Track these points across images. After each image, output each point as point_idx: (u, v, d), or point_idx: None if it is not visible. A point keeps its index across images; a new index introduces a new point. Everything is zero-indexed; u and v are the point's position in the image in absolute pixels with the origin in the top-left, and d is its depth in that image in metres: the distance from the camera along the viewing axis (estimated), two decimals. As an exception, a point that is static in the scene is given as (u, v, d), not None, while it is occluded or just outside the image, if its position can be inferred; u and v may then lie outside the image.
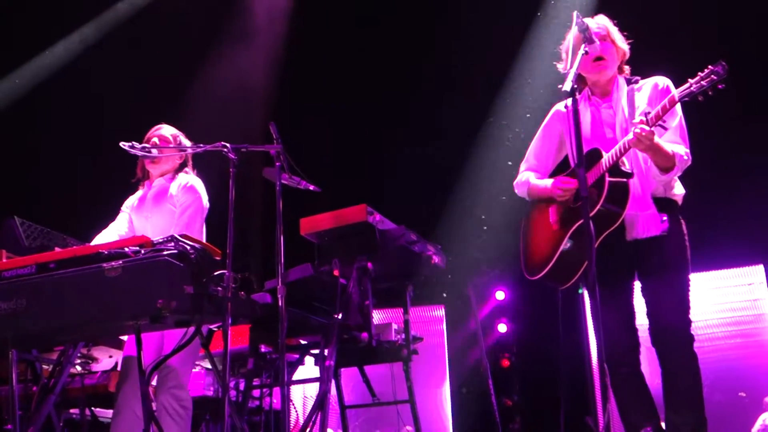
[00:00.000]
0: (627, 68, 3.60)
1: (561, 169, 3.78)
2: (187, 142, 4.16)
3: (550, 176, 3.76)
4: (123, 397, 3.73)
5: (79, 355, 4.45)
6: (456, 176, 8.44)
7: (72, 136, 7.25)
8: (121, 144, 3.60)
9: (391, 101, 8.32)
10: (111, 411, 3.91)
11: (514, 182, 3.81)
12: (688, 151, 3.34)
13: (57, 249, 3.17)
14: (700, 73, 3.12)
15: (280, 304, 3.35)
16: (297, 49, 8.31)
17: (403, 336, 4.37)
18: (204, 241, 3.80)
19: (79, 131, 7.29)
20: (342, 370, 4.53)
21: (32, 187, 7.23)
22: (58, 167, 7.23)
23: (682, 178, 3.47)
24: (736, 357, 7.56)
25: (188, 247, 2.91)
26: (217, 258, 3.06)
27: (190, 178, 4.10)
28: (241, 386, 4.92)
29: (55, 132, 7.35)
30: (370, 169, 8.41)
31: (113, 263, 2.80)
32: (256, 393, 5.29)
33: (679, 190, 3.47)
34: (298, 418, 7.01)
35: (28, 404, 3.88)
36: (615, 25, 3.57)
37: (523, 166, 3.83)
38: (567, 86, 2.89)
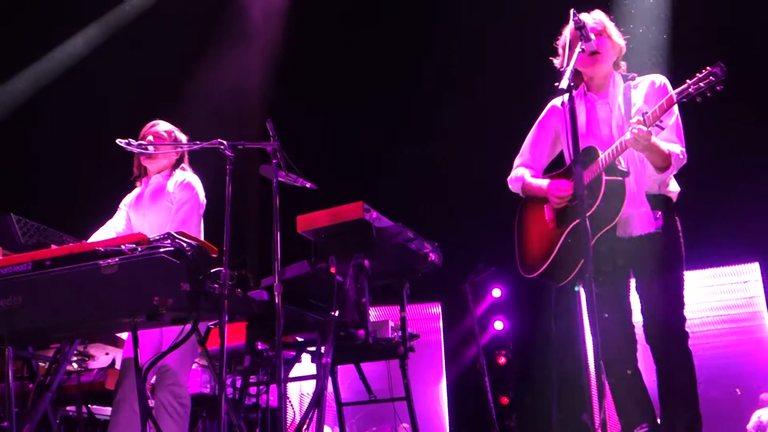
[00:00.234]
0: (623, 64, 3.60)
1: (555, 164, 3.79)
2: (182, 137, 4.15)
3: (545, 172, 3.77)
4: (122, 394, 3.73)
5: (75, 352, 4.44)
6: (452, 173, 8.45)
7: (70, 134, 7.24)
8: (118, 141, 3.59)
9: (388, 99, 8.32)
10: (108, 408, 3.91)
11: (508, 177, 3.81)
12: (683, 149, 3.35)
13: (53, 246, 3.17)
14: (698, 74, 3.12)
15: (276, 301, 3.35)
16: (294, 47, 8.31)
17: (400, 333, 4.37)
18: (201, 238, 3.80)
19: (78, 129, 7.28)
20: (339, 367, 4.54)
21: (29, 184, 7.22)
22: (55, 165, 7.21)
23: (678, 176, 3.48)
24: (732, 354, 7.59)
25: (185, 245, 2.91)
26: (214, 255, 3.05)
27: (187, 175, 4.10)
28: (238, 383, 4.92)
29: (53, 130, 7.33)
30: (367, 167, 8.42)
31: (109, 260, 2.79)
32: (252, 390, 5.29)
33: (673, 187, 3.48)
34: (294, 415, 7.02)
35: (24, 401, 3.87)
36: (611, 20, 3.58)
37: (517, 161, 3.83)
38: (564, 84, 2.88)
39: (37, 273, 2.90)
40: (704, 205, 6.51)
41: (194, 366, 4.95)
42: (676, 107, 3.35)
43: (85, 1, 7.51)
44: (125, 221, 4.12)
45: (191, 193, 4.00)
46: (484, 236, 7.61)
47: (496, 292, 8.79)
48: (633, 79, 3.53)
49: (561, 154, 3.76)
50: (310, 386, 7.90)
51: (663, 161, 3.27)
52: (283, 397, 3.48)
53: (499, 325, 8.73)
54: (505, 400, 8.36)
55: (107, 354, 4.74)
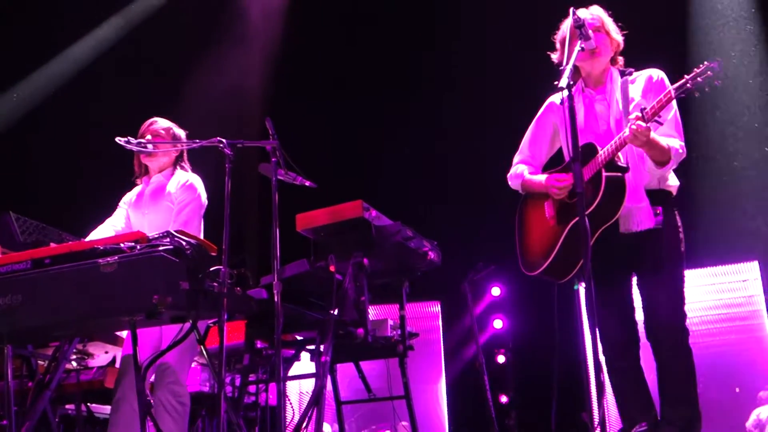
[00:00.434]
0: (621, 59, 3.61)
1: (554, 161, 3.78)
2: (180, 133, 4.15)
3: (544, 169, 3.77)
4: (122, 392, 3.73)
5: (74, 350, 4.44)
6: (451, 172, 8.45)
7: (69, 133, 7.23)
8: (117, 139, 3.59)
9: (388, 97, 8.32)
10: (107, 407, 3.91)
11: (508, 175, 3.81)
12: (683, 144, 3.35)
13: (52, 244, 3.17)
14: (696, 69, 3.13)
15: (275, 299, 3.35)
16: (293, 46, 8.31)
17: (399, 332, 4.37)
18: (201, 237, 3.80)
19: (77, 128, 7.28)
20: (338, 365, 4.54)
21: (28, 183, 7.21)
22: (54, 163, 7.21)
23: (677, 170, 3.48)
24: (731, 352, 7.58)
25: (184, 243, 2.91)
26: (213, 254, 3.05)
27: (189, 176, 4.10)
28: (237, 382, 4.92)
29: (53, 129, 7.33)
30: (366, 165, 8.42)
31: (109, 259, 2.79)
32: (252, 389, 5.29)
33: (673, 181, 3.48)
34: (294, 413, 7.01)
35: (23, 400, 3.87)
36: (609, 16, 3.58)
37: (516, 158, 3.83)
38: (563, 82, 2.89)
39: (36, 271, 2.90)
40: (703, 203, 6.51)
41: (193, 364, 4.95)
42: (674, 102, 3.35)
43: (90, 6, 7.50)
44: (124, 220, 4.12)
45: (194, 195, 4.00)
46: (483, 235, 7.61)
47: (496, 291, 8.79)
48: (630, 74, 3.53)
49: (560, 150, 3.77)
50: (309, 385, 7.89)
51: (662, 156, 3.27)
52: (282, 395, 3.47)
53: (498, 323, 8.72)
54: (504, 399, 8.36)
55: (107, 352, 4.74)
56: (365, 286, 3.95)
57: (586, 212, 2.81)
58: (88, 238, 3.77)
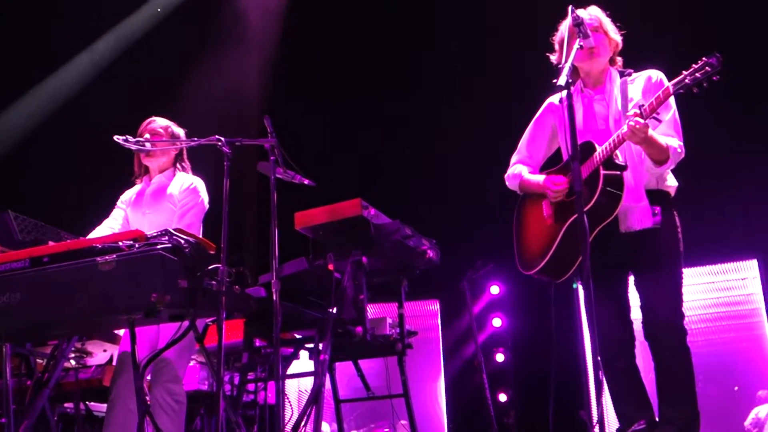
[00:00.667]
0: (619, 60, 3.60)
1: (552, 161, 3.78)
2: (179, 131, 4.15)
3: (542, 169, 3.77)
4: (117, 391, 3.72)
5: (73, 349, 4.44)
6: (451, 170, 8.45)
7: (69, 133, 7.23)
8: (115, 138, 3.59)
9: (387, 96, 8.32)
10: (105, 405, 3.91)
11: (506, 175, 3.81)
12: (681, 144, 3.35)
13: (51, 243, 3.16)
14: (694, 65, 3.12)
15: (274, 298, 3.35)
16: (292, 45, 8.30)
17: (398, 330, 4.37)
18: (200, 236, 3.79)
19: (76, 128, 7.27)
20: (337, 364, 4.54)
21: (27, 181, 7.21)
22: (53, 162, 7.20)
23: (676, 171, 3.48)
24: (730, 351, 7.59)
25: (182, 241, 2.90)
26: (212, 252, 3.05)
27: (192, 178, 4.09)
28: (236, 380, 4.92)
29: (53, 130, 7.33)
30: (365, 164, 8.41)
31: (107, 257, 2.79)
32: (250, 387, 5.28)
33: (672, 182, 3.47)
34: (293, 412, 7.01)
35: (22, 398, 3.88)
36: (608, 16, 3.58)
37: (514, 158, 3.83)
38: (562, 81, 2.88)
39: (34, 270, 2.90)
40: (702, 201, 6.51)
41: (192, 363, 4.95)
42: (673, 102, 3.35)
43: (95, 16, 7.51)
44: (122, 219, 4.11)
45: (197, 199, 4.00)
46: (482, 233, 7.61)
47: (495, 289, 8.79)
48: (629, 74, 3.53)
49: (558, 151, 3.76)
50: (308, 383, 7.89)
51: (661, 155, 3.27)
52: (281, 394, 3.47)
53: (497, 322, 8.72)
54: (503, 397, 8.36)
55: (105, 351, 4.74)
56: (364, 285, 3.95)
57: (584, 210, 2.80)
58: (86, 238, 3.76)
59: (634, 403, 3.37)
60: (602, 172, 3.28)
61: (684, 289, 3.36)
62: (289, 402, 5.43)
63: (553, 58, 3.63)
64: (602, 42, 3.48)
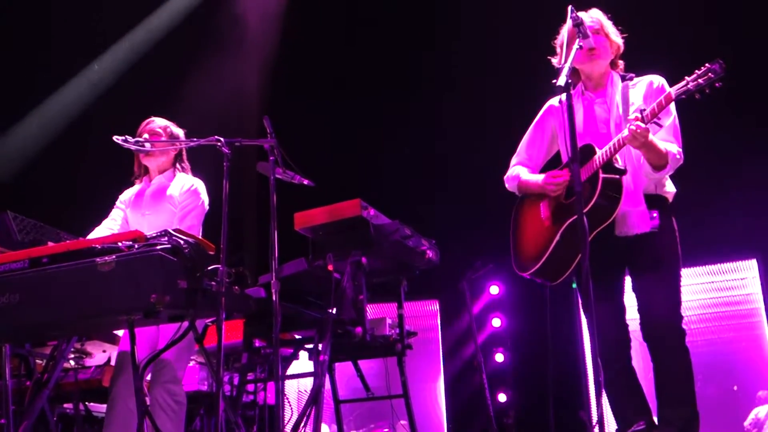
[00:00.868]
0: (621, 63, 3.60)
1: (552, 164, 3.78)
2: (178, 131, 4.15)
3: (541, 171, 3.76)
4: (116, 391, 3.72)
5: (72, 349, 4.44)
6: (450, 171, 8.45)
7: (70, 134, 7.23)
8: (115, 138, 3.59)
9: (386, 96, 8.32)
10: (105, 406, 3.91)
11: (505, 176, 3.81)
12: (680, 150, 3.34)
13: (50, 243, 3.16)
14: (697, 71, 3.12)
15: (274, 298, 3.34)
16: (292, 45, 8.30)
17: (398, 331, 4.37)
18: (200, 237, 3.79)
19: (76, 129, 7.27)
20: (336, 364, 4.54)
21: (26, 182, 7.20)
22: (52, 163, 7.20)
23: (675, 175, 3.48)
24: (729, 351, 7.60)
25: (182, 242, 2.90)
26: (211, 253, 3.05)
27: (193, 180, 4.09)
28: (236, 381, 4.92)
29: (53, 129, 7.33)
30: (365, 164, 8.41)
31: (106, 258, 2.79)
32: (250, 387, 5.28)
33: (670, 188, 3.48)
34: (292, 412, 7.01)
35: (21, 399, 3.87)
36: (609, 19, 3.57)
37: (514, 160, 3.83)
38: (561, 81, 2.88)
39: (33, 270, 2.89)
40: (702, 201, 6.52)
41: (192, 363, 4.95)
42: (674, 108, 3.35)
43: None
44: (121, 220, 4.11)
45: (197, 201, 4.00)
46: (481, 233, 7.60)
47: (494, 290, 8.79)
48: (631, 79, 3.53)
49: (557, 154, 3.76)
50: (307, 383, 7.89)
51: (660, 160, 3.27)
52: (280, 394, 3.47)
53: (496, 322, 8.73)
54: (502, 397, 8.36)
55: (104, 351, 4.74)
56: (363, 285, 3.95)
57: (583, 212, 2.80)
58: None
59: (632, 405, 3.37)
60: (601, 175, 3.28)
61: (683, 290, 3.36)
62: (289, 402, 5.43)
63: (555, 60, 3.62)
64: (603, 44, 3.47)
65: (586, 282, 2.69)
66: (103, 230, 4.05)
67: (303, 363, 5.05)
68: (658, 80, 3.48)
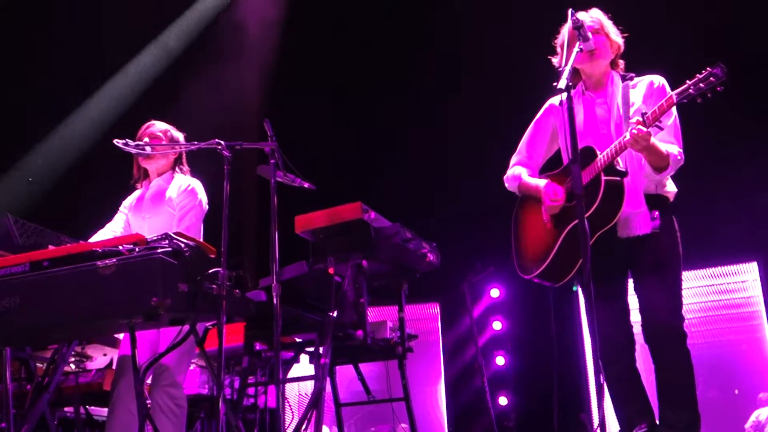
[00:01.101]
0: (621, 63, 3.60)
1: (552, 163, 3.78)
2: (178, 135, 4.15)
3: (541, 171, 3.76)
4: (118, 395, 3.72)
5: (73, 353, 4.44)
6: (451, 173, 8.46)
7: (70, 136, 7.24)
8: (115, 141, 3.59)
9: (387, 99, 8.32)
10: (105, 409, 3.91)
11: (505, 176, 3.81)
12: (681, 150, 3.35)
13: (51, 247, 3.16)
14: (698, 75, 3.11)
15: (274, 301, 3.34)
16: (292, 48, 8.31)
17: (398, 334, 4.36)
18: (201, 240, 3.79)
19: (77, 130, 7.28)
20: (337, 367, 4.53)
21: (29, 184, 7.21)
22: (52, 164, 7.21)
23: (676, 176, 3.48)
24: (730, 353, 7.59)
25: (182, 245, 2.90)
26: (212, 256, 3.05)
27: (190, 180, 4.09)
28: (236, 384, 4.92)
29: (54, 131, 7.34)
30: (366, 167, 8.42)
31: (107, 261, 2.78)
32: (251, 391, 5.29)
33: (671, 187, 3.47)
34: (293, 416, 7.01)
35: (22, 402, 3.87)
36: (609, 19, 3.58)
37: (514, 159, 3.83)
38: (562, 84, 2.88)
39: (34, 274, 2.89)
40: (703, 204, 6.52)
41: (192, 366, 4.95)
42: (674, 108, 3.35)
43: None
44: (123, 224, 4.12)
45: (195, 201, 4.00)
46: (482, 236, 7.61)
47: (495, 292, 8.79)
48: (631, 78, 3.53)
49: (558, 152, 3.76)
50: (308, 387, 7.89)
51: (661, 162, 3.27)
52: (281, 397, 3.47)
53: (497, 325, 8.73)
54: (503, 400, 8.36)
55: (105, 355, 4.74)
56: (364, 288, 3.95)
57: (585, 216, 2.80)
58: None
59: (635, 407, 3.37)
60: (603, 178, 3.28)
61: (684, 292, 3.36)
62: (290, 406, 5.43)
63: (555, 60, 3.63)
64: (603, 44, 3.48)
65: (588, 285, 2.69)
66: (105, 233, 4.05)
67: (304, 366, 5.06)
68: (658, 80, 3.48)
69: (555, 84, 2.88)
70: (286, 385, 4.92)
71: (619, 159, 3.31)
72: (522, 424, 8.19)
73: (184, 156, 4.21)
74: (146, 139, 4.02)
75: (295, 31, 8.22)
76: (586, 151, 3.34)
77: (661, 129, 3.26)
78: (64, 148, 7.10)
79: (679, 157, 3.31)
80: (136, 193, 4.21)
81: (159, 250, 2.82)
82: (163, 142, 4.05)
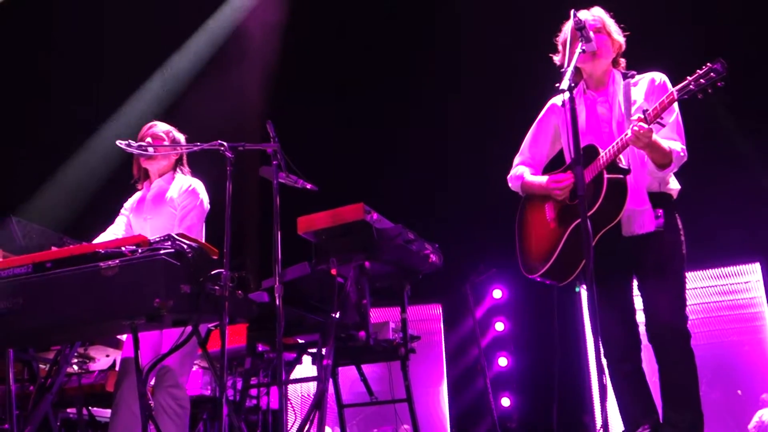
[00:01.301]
0: (623, 61, 3.60)
1: (555, 163, 3.78)
2: (180, 136, 4.15)
3: (544, 171, 3.76)
4: (121, 396, 3.72)
5: (76, 354, 4.45)
6: (453, 174, 8.45)
7: (71, 137, 7.24)
8: (118, 142, 3.59)
9: (389, 100, 8.32)
10: (108, 410, 3.91)
11: (508, 176, 3.81)
12: (684, 147, 3.34)
13: (54, 248, 3.17)
14: (698, 71, 3.11)
15: (277, 303, 3.34)
16: (294, 50, 8.32)
17: (401, 335, 4.36)
18: (203, 241, 3.79)
19: (76, 131, 7.28)
20: (339, 368, 4.53)
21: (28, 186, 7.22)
22: (53, 165, 7.22)
23: (679, 174, 3.47)
24: (733, 354, 7.58)
25: (185, 246, 2.90)
26: (215, 257, 3.05)
27: (191, 180, 4.09)
28: (239, 385, 4.92)
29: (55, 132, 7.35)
30: (368, 168, 8.42)
31: (110, 262, 2.79)
32: (253, 392, 5.29)
33: (674, 184, 3.47)
34: (296, 417, 7.01)
35: (25, 404, 3.87)
36: (611, 17, 3.58)
37: (517, 159, 3.82)
38: (564, 84, 2.88)
39: (37, 275, 2.90)
40: (706, 204, 6.51)
41: (195, 368, 4.95)
42: (676, 105, 3.34)
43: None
44: (125, 226, 4.12)
45: (196, 201, 4.00)
46: (484, 237, 7.61)
47: (497, 293, 8.79)
48: (632, 76, 3.52)
49: (561, 152, 3.76)
50: (311, 388, 7.89)
51: (664, 159, 3.26)
52: (283, 398, 3.47)
53: (499, 326, 8.72)
54: (506, 401, 8.35)
55: (108, 356, 4.74)
56: (367, 289, 3.95)
57: (588, 214, 2.80)
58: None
59: (639, 407, 3.36)
60: (606, 176, 3.28)
61: (687, 293, 3.36)
62: (292, 407, 5.43)
63: (556, 58, 3.63)
64: (605, 43, 3.48)
65: (591, 285, 2.68)
66: (108, 235, 4.05)
67: (306, 367, 5.06)
68: (659, 77, 3.48)
69: (557, 85, 2.88)
70: (288, 387, 4.92)
71: (621, 157, 3.31)
72: (524, 425, 8.18)
73: (185, 157, 4.21)
74: (148, 140, 4.03)
75: (296, 33, 8.23)
76: (589, 149, 3.34)
77: (663, 126, 3.25)
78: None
79: (682, 154, 3.31)
80: (137, 195, 4.21)
81: (161, 252, 2.82)
82: (165, 143, 4.05)
